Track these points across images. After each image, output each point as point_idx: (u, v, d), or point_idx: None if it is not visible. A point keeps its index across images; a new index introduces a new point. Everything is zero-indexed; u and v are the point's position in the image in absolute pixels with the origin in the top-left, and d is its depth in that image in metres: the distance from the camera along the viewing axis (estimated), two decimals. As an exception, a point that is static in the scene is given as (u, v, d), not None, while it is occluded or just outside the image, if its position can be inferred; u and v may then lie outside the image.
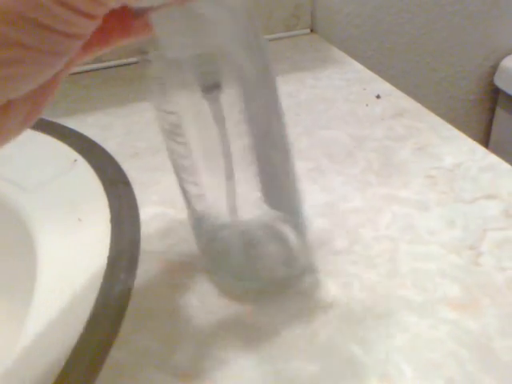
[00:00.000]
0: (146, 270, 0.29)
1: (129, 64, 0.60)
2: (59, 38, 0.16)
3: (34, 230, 0.33)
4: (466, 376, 0.22)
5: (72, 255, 0.31)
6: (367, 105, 0.46)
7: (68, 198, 0.36)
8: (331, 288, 0.27)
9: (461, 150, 0.39)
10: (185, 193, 0.25)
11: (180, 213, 0.33)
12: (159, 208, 0.34)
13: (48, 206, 0.35)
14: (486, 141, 0.88)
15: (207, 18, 0.20)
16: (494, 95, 0.85)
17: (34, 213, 0.35)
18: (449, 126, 0.42)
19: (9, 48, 0.15)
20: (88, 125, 0.46)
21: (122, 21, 0.22)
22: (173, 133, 0.23)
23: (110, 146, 0.41)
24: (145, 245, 0.31)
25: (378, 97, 0.47)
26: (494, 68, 0.83)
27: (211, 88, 0.21)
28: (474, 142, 0.40)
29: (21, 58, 0.16)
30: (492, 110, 0.87)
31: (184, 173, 0.24)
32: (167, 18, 0.20)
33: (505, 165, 0.36)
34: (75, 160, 0.39)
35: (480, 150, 0.38)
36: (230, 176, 0.23)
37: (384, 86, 0.50)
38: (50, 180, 0.38)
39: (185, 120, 0.22)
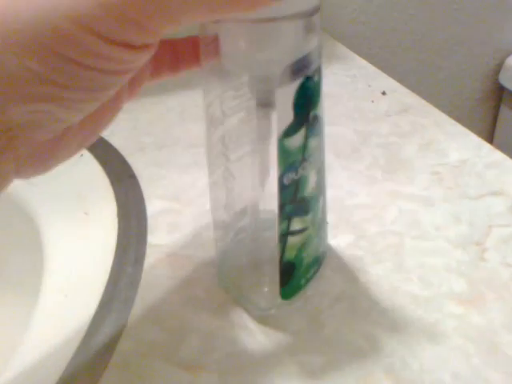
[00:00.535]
0: (153, 263, 0.29)
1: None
2: (94, 75, 0.15)
3: (40, 223, 0.33)
4: (472, 370, 0.22)
5: (79, 249, 0.31)
6: (373, 101, 0.46)
7: (74, 192, 0.36)
8: (337, 282, 0.27)
9: (466, 146, 0.39)
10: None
11: (185, 207, 0.33)
12: (165, 202, 0.34)
13: (55, 199, 0.35)
14: (490, 139, 0.88)
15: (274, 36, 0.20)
16: (498, 93, 0.85)
17: (41, 206, 0.35)
18: (453, 122, 0.42)
19: (39, 85, 0.14)
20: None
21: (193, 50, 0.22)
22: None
23: (117, 140, 0.41)
24: (151, 238, 0.31)
25: (383, 93, 0.47)
26: (499, 66, 0.83)
27: (264, 105, 0.21)
28: (480, 139, 0.40)
29: (53, 95, 0.15)
30: (497, 108, 0.87)
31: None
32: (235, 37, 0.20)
33: (510, 161, 0.36)
34: (81, 154, 0.40)
35: (485, 146, 0.39)
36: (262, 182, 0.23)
37: (389, 83, 0.50)
38: (56, 174, 0.38)
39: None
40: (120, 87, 0.17)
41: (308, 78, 0.20)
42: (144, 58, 0.16)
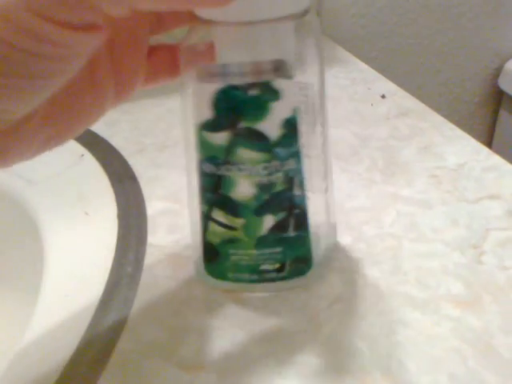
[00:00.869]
0: (153, 263, 0.29)
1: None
2: (32, 60, 0.14)
3: (41, 224, 0.34)
4: (469, 372, 0.23)
5: (79, 249, 0.31)
6: (372, 104, 0.46)
7: (75, 193, 0.36)
8: (335, 284, 0.27)
9: (464, 149, 0.39)
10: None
11: (185, 208, 0.34)
12: (165, 203, 0.34)
13: (55, 200, 0.36)
14: (489, 142, 0.88)
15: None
16: (497, 97, 0.85)
17: (41, 207, 0.35)
18: (452, 126, 0.42)
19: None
20: (95, 120, 0.46)
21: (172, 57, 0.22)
22: None
23: (117, 141, 0.42)
24: (151, 239, 0.31)
25: (383, 96, 0.47)
26: (499, 70, 0.83)
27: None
28: (478, 143, 0.40)
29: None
30: (496, 112, 0.87)
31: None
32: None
33: (508, 165, 0.37)
34: (82, 155, 0.40)
35: (483, 150, 0.39)
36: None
37: (389, 86, 0.50)
38: (57, 174, 0.38)
39: None
40: (68, 76, 0.15)
41: (233, 88, 0.21)
42: (89, 41, 0.15)
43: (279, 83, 0.21)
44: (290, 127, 0.22)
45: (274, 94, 0.21)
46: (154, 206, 0.34)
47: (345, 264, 0.29)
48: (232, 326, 0.25)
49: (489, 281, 0.27)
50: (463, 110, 0.85)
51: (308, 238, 0.26)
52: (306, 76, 0.23)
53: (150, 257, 0.30)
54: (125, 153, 0.40)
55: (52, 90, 0.16)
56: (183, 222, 0.32)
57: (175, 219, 0.33)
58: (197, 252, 0.27)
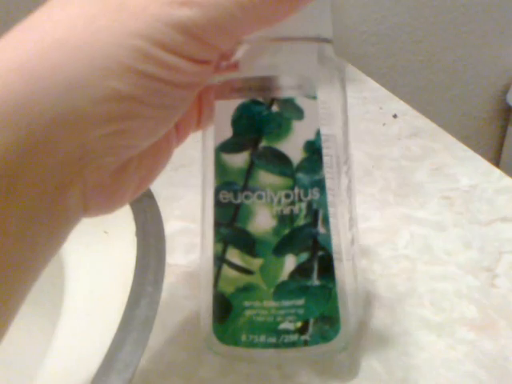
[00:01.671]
0: (172, 283, 0.30)
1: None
2: (168, 89, 0.16)
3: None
4: (484, 396, 0.23)
5: (99, 268, 0.32)
6: (384, 124, 0.47)
7: (94, 211, 0.37)
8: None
9: (476, 171, 0.39)
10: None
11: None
12: (182, 223, 0.35)
13: (74, 217, 0.36)
14: (497, 158, 0.89)
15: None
16: (506, 113, 0.86)
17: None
18: (464, 147, 0.43)
19: (120, 102, 0.15)
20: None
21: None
22: None
23: (134, 159, 0.42)
24: (169, 259, 0.32)
25: (394, 116, 0.48)
26: (507, 87, 0.84)
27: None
28: (489, 164, 0.40)
29: (132, 113, 0.16)
30: (504, 128, 0.88)
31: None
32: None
33: (520, 187, 0.37)
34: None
35: (495, 171, 0.39)
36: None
37: (400, 106, 0.51)
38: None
39: None
40: (186, 107, 0.18)
41: (255, 102, 0.20)
42: (206, 73, 0.17)
43: (303, 101, 0.20)
44: (314, 151, 0.21)
45: (298, 113, 0.21)
46: (171, 226, 0.35)
47: (360, 286, 0.29)
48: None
49: (503, 304, 0.28)
50: (472, 126, 0.85)
51: (334, 290, 0.22)
52: (330, 112, 0.22)
53: (169, 276, 0.30)
54: (142, 171, 0.41)
55: (172, 123, 0.18)
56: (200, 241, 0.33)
57: (192, 239, 0.34)
58: (205, 310, 0.24)
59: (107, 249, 0.33)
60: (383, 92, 0.54)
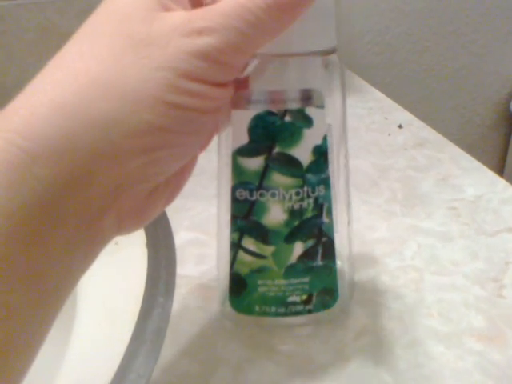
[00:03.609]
0: (182, 294, 0.30)
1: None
2: (195, 116, 0.17)
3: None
4: (493, 406, 0.23)
5: (110, 279, 0.32)
6: (389, 134, 0.47)
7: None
8: (361, 317, 0.28)
9: (481, 181, 0.40)
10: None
11: (212, 239, 0.35)
12: (192, 234, 0.36)
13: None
14: (501, 165, 0.89)
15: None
16: (509, 121, 0.86)
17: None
18: (469, 158, 0.43)
19: (152, 133, 0.16)
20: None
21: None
22: None
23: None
24: (180, 270, 0.32)
25: (400, 126, 0.48)
26: (510, 95, 0.84)
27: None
28: (495, 174, 0.41)
29: (164, 142, 0.16)
30: (508, 136, 0.88)
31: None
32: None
33: (525, 197, 0.38)
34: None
35: (501, 182, 0.40)
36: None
37: (405, 116, 0.51)
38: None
39: None
40: (208, 131, 0.19)
41: (269, 113, 0.23)
42: (228, 94, 0.18)
43: (311, 111, 0.23)
44: (320, 154, 0.24)
45: (307, 121, 0.23)
46: (181, 237, 0.35)
47: (369, 297, 0.30)
48: (262, 357, 0.26)
49: (510, 315, 0.28)
50: (475, 134, 0.86)
51: (334, 268, 0.27)
52: (330, 108, 0.24)
53: (180, 287, 0.31)
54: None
55: (197, 149, 0.19)
56: (211, 252, 0.33)
57: (202, 250, 0.34)
58: (222, 285, 0.28)
59: (118, 260, 0.34)
60: (388, 102, 0.54)
